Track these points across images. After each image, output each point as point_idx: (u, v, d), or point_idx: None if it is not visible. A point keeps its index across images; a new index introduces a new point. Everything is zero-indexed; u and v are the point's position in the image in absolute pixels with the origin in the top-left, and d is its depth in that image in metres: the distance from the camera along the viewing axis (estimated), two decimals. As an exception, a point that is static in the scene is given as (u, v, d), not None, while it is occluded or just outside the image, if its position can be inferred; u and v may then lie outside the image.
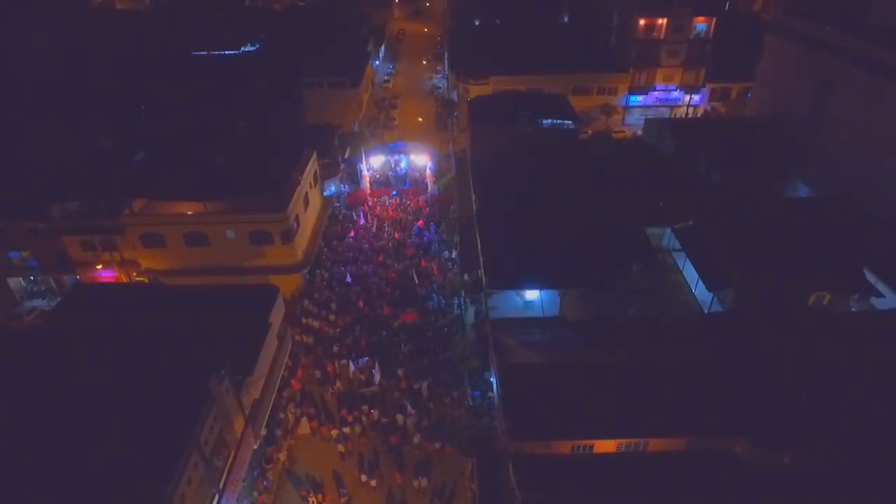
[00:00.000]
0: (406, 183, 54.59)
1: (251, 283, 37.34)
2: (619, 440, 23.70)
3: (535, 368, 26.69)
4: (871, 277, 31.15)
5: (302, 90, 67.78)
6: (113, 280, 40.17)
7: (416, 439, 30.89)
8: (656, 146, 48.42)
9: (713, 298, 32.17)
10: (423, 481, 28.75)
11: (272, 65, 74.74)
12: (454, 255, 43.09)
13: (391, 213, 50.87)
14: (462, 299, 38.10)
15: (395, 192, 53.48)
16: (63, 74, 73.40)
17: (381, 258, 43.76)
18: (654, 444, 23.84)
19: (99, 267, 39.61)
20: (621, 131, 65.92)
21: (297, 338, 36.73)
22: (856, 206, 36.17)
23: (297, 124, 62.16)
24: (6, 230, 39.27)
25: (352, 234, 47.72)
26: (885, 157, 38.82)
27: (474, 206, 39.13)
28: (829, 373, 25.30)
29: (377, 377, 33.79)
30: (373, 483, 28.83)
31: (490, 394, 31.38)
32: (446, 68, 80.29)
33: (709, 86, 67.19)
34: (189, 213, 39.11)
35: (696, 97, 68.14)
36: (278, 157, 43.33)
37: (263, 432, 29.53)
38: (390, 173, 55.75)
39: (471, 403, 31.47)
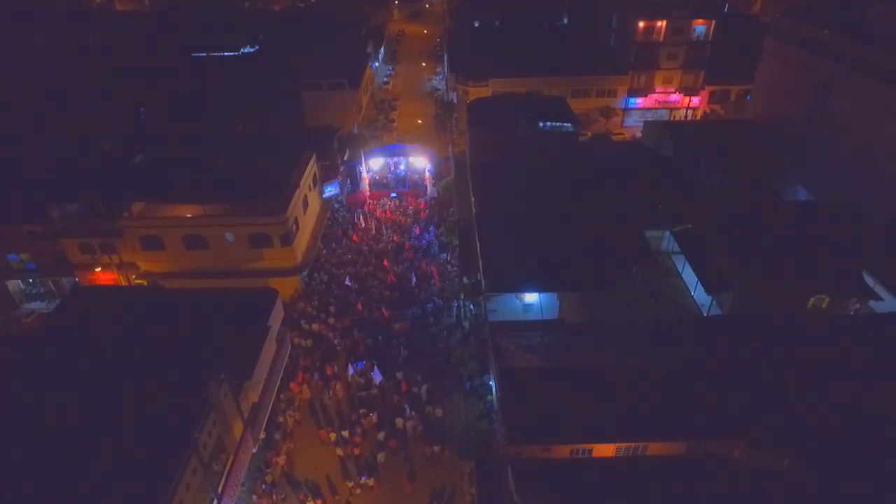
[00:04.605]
0: (405, 185, 54.61)
1: (250, 285, 37.29)
2: (617, 444, 23.67)
3: (534, 372, 26.63)
4: (870, 281, 31.17)
5: (301, 92, 67.80)
6: (111, 282, 40.13)
7: (419, 428, 31.17)
8: (655, 148, 48.47)
9: (712, 301, 32.20)
10: (371, 481, 28.81)
11: (271, 66, 74.75)
12: (453, 257, 43.13)
13: (390, 216, 50.87)
14: (461, 302, 38.10)
15: (394, 195, 53.47)
16: (62, 76, 73.37)
17: (385, 263, 43.73)
18: (653, 448, 23.81)
19: (98, 269, 39.58)
20: (620, 133, 66.00)
21: (296, 341, 36.71)
22: (855, 209, 36.20)
23: (297, 126, 62.18)
24: (5, 233, 39.24)
25: (355, 237, 47.72)
26: (883, 160, 38.87)
27: (473, 209, 39.13)
28: (828, 376, 25.29)
29: (376, 380, 33.77)
30: (371, 483, 28.81)
31: (489, 397, 31.40)
32: (445, 70, 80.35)
33: (708, 88, 67.29)
34: (188, 215, 39.08)
35: (694, 99, 68.23)
36: (277, 160, 43.36)
37: (262, 436, 29.51)
38: (389, 175, 55.79)
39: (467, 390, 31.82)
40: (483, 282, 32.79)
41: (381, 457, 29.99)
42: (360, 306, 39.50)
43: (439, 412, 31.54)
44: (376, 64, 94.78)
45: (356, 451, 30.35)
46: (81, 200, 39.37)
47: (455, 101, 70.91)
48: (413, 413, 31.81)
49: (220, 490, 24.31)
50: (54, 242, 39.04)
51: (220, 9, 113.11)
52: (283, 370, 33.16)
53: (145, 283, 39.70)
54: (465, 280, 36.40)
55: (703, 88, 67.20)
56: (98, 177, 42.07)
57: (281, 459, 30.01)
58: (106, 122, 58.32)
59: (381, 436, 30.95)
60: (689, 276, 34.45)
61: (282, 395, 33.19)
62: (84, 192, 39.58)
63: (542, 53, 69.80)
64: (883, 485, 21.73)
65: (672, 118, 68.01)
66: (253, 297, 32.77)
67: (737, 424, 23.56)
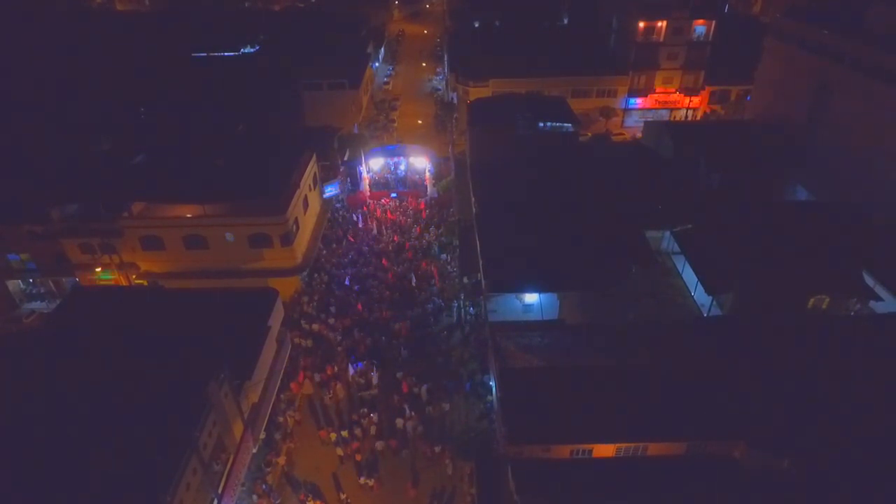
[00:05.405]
0: (405, 185, 54.61)
1: (250, 285, 37.29)
2: (617, 444, 23.67)
3: (534, 372, 26.64)
4: (870, 281, 31.17)
5: (301, 92, 67.77)
6: (112, 283, 40.12)
7: (419, 428, 31.17)
8: (655, 149, 48.45)
9: (712, 302, 32.20)
10: (371, 481, 28.82)
11: (271, 66, 74.73)
12: (453, 257, 43.14)
13: (390, 216, 50.87)
14: (461, 302, 38.09)
15: (394, 195, 53.48)
16: (62, 76, 73.37)
17: (384, 262, 43.74)
18: (653, 448, 23.81)
19: (98, 269, 39.58)
20: (620, 133, 66.01)
21: (297, 341, 36.71)
22: (855, 209, 36.19)
23: (297, 126, 62.17)
24: (5, 233, 39.24)
25: (351, 237, 47.75)
26: (883, 160, 38.86)
27: (473, 209, 39.13)
28: (828, 376, 25.29)
29: (375, 380, 33.76)
30: (371, 484, 28.81)
31: (489, 397, 31.40)
32: (446, 70, 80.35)
33: (708, 88, 67.29)
34: (188, 215, 39.08)
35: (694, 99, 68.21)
36: (278, 160, 43.37)
37: (262, 436, 29.51)
38: (389, 176, 55.80)
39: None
40: (483, 282, 32.78)
41: (379, 445, 30.07)
42: (360, 306, 39.51)
43: (446, 406, 31.70)
44: (376, 64, 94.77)
45: (358, 458, 30.29)
46: (81, 200, 39.37)
47: (455, 101, 70.93)
48: (413, 413, 31.82)
49: (220, 490, 24.31)
50: (54, 242, 39.03)
51: (220, 9, 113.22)
52: (283, 370, 33.17)
53: (145, 283, 39.71)
54: (465, 280, 36.40)
55: (703, 89, 67.20)
56: (98, 177, 42.06)
57: (281, 459, 30.01)
58: (106, 122, 58.27)
59: (372, 430, 31.28)
60: (689, 276, 34.45)
61: (282, 395, 33.19)
62: (84, 192, 39.58)
63: (542, 53, 69.77)
64: (882, 485, 21.74)
65: (672, 118, 68.01)
66: (253, 297, 32.76)
67: (737, 424, 23.57)
